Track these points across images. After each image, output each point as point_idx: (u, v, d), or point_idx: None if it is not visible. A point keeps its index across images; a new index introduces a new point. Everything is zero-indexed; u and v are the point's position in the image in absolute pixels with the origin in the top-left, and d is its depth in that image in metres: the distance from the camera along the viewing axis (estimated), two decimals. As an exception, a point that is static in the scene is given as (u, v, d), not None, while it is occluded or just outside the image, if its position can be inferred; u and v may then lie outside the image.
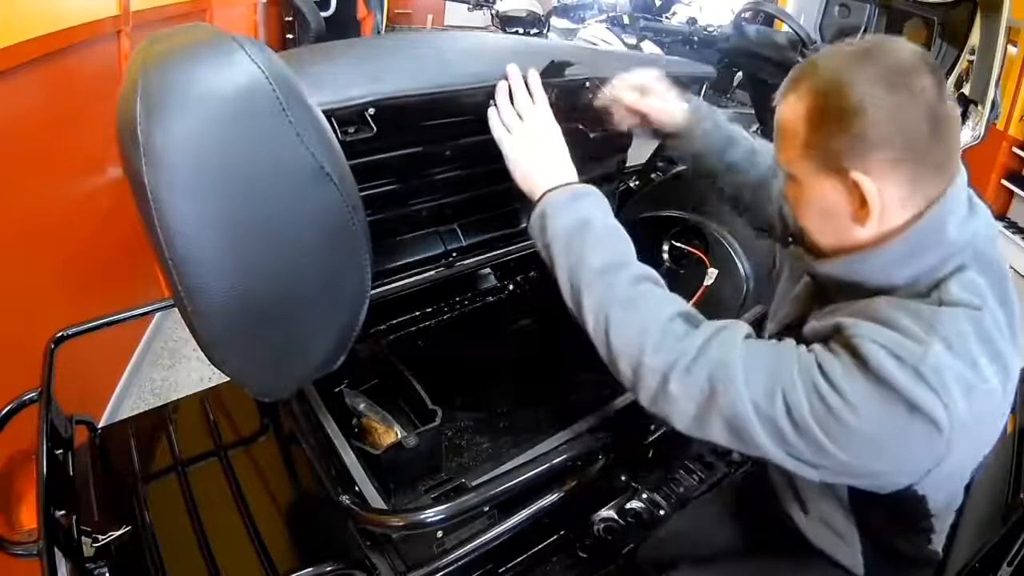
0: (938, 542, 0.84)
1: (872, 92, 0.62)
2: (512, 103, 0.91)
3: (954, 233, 0.64)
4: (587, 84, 1.08)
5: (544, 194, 0.83)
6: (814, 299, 0.79)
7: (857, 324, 0.63)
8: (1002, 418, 0.66)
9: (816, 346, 0.66)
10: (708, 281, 1.18)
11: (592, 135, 1.26)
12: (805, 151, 0.67)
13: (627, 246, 0.80)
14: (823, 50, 0.69)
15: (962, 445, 0.61)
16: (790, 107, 0.68)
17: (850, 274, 0.69)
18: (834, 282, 0.72)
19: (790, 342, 0.68)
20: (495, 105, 0.91)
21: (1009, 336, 0.64)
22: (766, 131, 1.73)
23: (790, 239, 0.85)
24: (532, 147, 0.87)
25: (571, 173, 0.86)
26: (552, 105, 0.93)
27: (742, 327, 0.70)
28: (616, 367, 0.73)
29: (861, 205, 0.65)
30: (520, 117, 0.89)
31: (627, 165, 1.73)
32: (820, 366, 0.62)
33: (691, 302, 1.09)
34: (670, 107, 1.00)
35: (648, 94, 1.00)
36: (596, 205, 0.82)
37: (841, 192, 0.66)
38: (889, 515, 0.78)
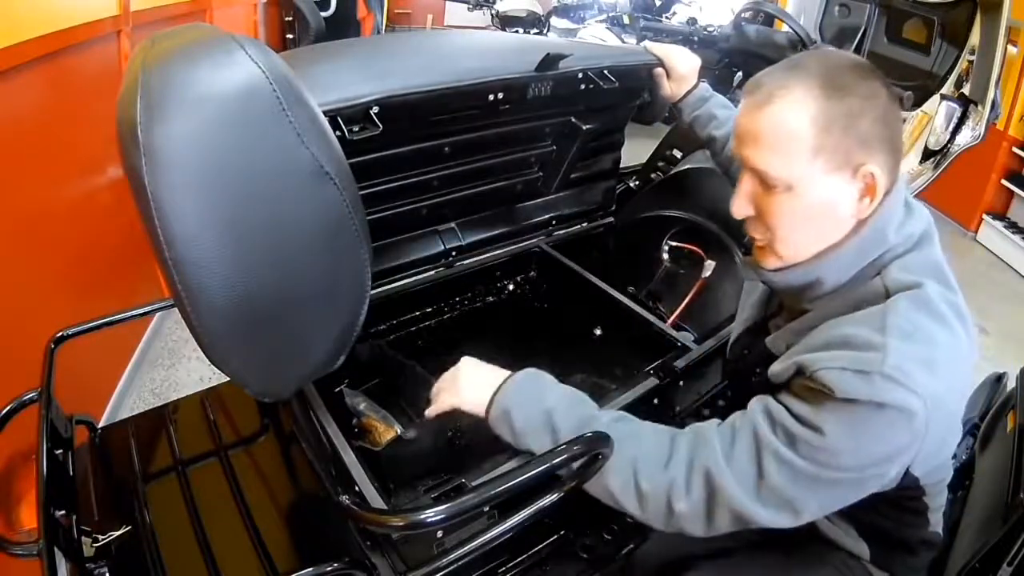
0: (936, 522, 0.87)
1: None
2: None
3: (893, 237, 0.72)
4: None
5: (492, 397, 0.84)
6: (768, 302, 0.90)
7: (816, 359, 0.67)
8: (967, 362, 0.72)
9: (784, 397, 0.71)
10: (706, 273, 1.19)
11: (585, 127, 1.27)
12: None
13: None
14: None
15: (938, 414, 0.66)
16: None
17: (807, 276, 0.75)
18: (787, 288, 0.79)
19: (753, 412, 0.72)
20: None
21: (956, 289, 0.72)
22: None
23: (742, 249, 0.90)
24: (455, 382, 0.88)
25: (496, 379, 0.85)
26: (549, 96, 1.08)
27: (709, 426, 0.75)
28: (621, 506, 0.77)
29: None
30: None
31: (627, 165, 1.74)
32: (791, 414, 0.68)
33: (689, 296, 1.13)
34: (678, 76, 1.25)
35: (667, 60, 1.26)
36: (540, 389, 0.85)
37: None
38: (879, 498, 0.79)
